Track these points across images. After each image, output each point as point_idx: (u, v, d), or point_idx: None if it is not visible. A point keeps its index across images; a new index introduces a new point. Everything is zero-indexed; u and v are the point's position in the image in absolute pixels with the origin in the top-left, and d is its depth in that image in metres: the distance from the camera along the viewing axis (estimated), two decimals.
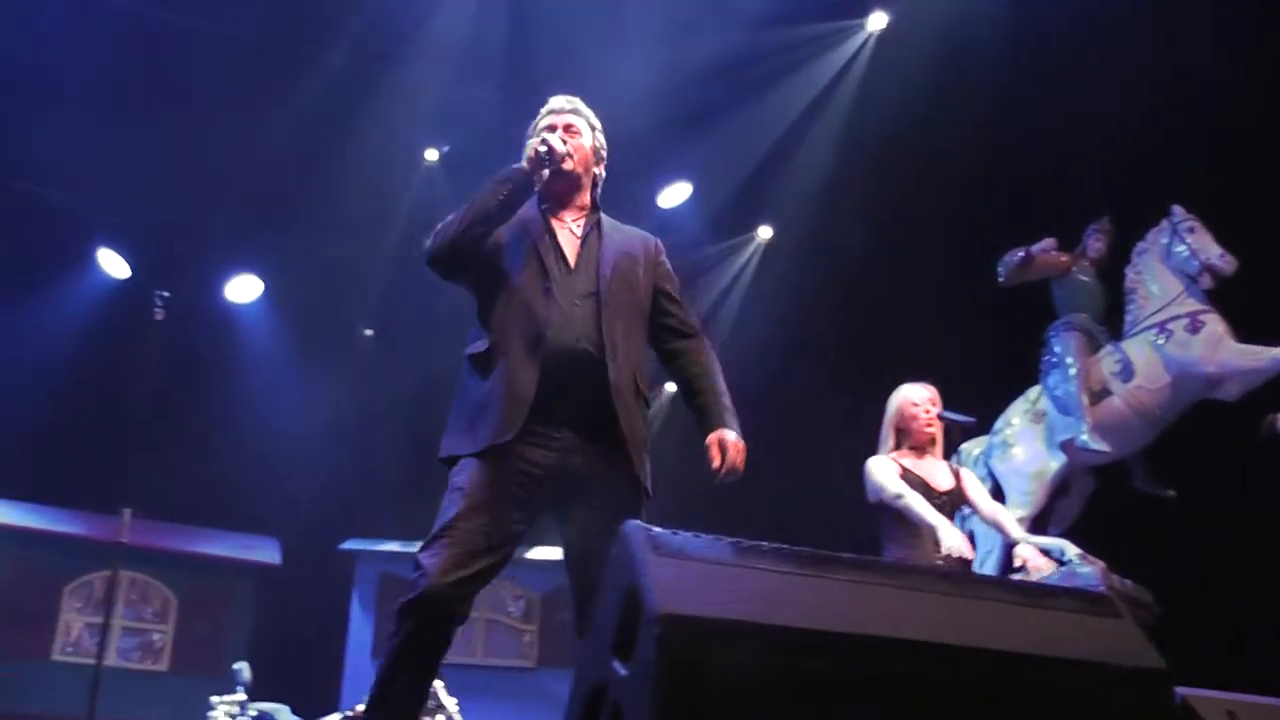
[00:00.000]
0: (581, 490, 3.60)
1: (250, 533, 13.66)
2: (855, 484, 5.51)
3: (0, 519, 11.87)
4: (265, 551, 13.68)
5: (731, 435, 3.68)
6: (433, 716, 7.76)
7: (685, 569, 2.09)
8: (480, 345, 3.71)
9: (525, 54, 10.19)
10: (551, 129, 3.97)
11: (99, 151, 10.30)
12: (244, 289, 12.57)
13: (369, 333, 13.71)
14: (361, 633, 13.85)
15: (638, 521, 2.29)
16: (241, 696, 8.37)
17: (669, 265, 4.03)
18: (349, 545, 14.02)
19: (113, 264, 11.88)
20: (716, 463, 3.65)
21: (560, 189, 3.92)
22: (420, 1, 10.31)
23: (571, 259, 3.81)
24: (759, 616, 2.02)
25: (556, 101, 4.09)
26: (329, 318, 13.18)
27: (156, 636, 13.02)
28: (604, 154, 4.10)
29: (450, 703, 7.80)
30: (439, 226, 3.77)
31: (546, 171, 3.81)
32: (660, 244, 4.06)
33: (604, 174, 4.09)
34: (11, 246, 11.07)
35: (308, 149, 10.93)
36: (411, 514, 12.71)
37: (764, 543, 2.26)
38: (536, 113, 4.11)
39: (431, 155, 11.92)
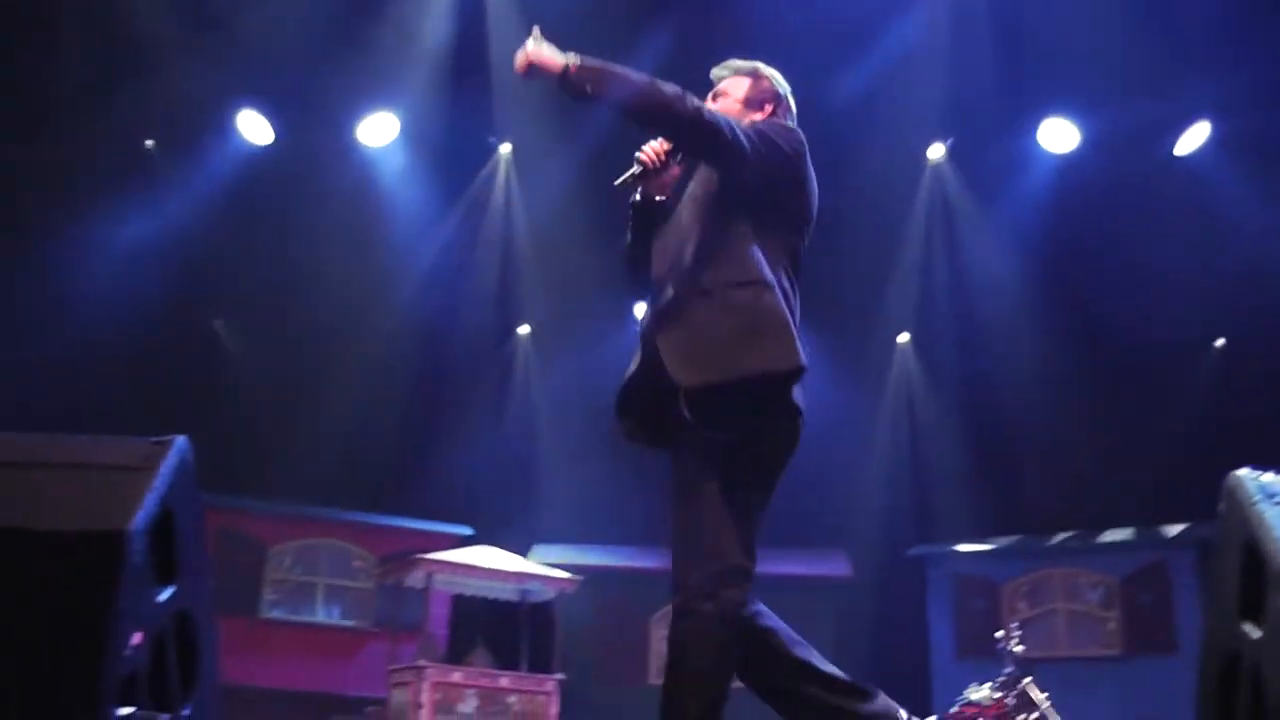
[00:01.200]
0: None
1: (819, 549, 13.84)
2: None
3: (591, 562, 12.67)
4: (835, 565, 13.83)
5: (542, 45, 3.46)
6: (1027, 714, 7.45)
7: None
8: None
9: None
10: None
11: None
12: None
13: (904, 339, 13.61)
14: (942, 637, 13.71)
15: (1246, 470, 1.99)
16: None
17: None
18: (918, 550, 13.90)
19: None
20: None
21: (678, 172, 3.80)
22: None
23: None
24: None
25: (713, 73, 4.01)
26: (864, 331, 13.24)
27: None
28: (771, 92, 3.93)
29: (1040, 698, 7.45)
30: None
31: (647, 181, 3.72)
32: None
33: (781, 112, 3.92)
34: None
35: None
36: (977, 512, 12.45)
37: None
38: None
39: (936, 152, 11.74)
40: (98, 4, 10.32)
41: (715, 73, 3.99)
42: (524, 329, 14.06)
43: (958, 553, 13.75)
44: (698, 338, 3.46)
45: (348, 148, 12.08)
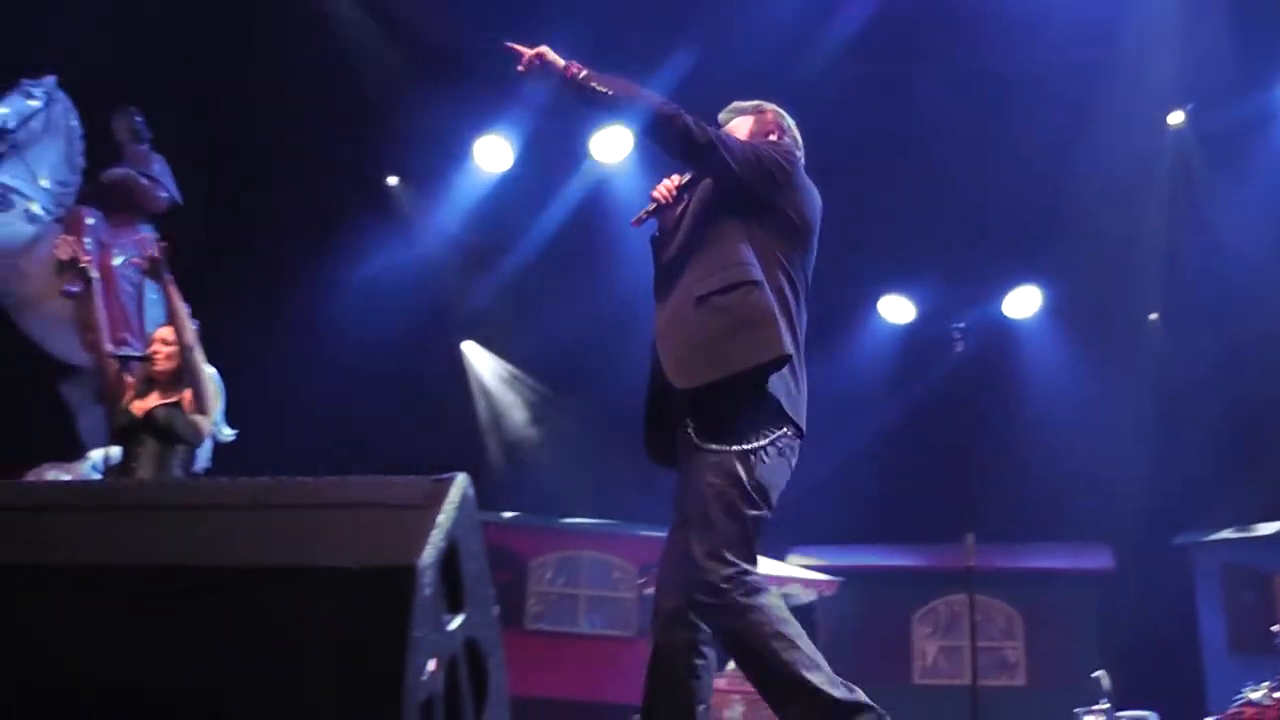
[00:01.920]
0: None
1: (1079, 541, 13.45)
2: None
3: (849, 563, 12.62)
4: (1098, 558, 13.42)
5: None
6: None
7: None
8: None
9: None
10: None
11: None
12: (1023, 302, 12.54)
13: (1154, 317, 13.09)
14: (1213, 628, 13.10)
15: None
16: (1105, 706, 8.18)
17: None
18: (1183, 539, 13.34)
19: (897, 309, 12.42)
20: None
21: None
22: None
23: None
24: None
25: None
26: (1110, 312, 12.80)
27: (1009, 653, 13.16)
28: (778, 126, 4.10)
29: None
30: None
31: (662, 216, 3.96)
32: None
33: (779, 137, 4.06)
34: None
35: (1051, 151, 10.79)
36: (1243, 497, 11.87)
37: None
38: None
39: (1176, 119, 11.27)
40: (328, 62, 10.78)
41: (721, 116, 4.15)
42: None
43: (1225, 541, 13.14)
44: (688, 344, 3.66)
45: (581, 165, 12.33)
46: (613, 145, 12.04)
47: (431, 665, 1.92)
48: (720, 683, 10.37)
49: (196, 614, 1.95)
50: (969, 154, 10.88)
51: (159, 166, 8.86)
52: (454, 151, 12.03)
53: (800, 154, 4.09)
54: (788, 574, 11.16)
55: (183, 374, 5.80)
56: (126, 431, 5.77)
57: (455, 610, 2.05)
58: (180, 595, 1.97)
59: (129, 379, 5.98)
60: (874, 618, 12.94)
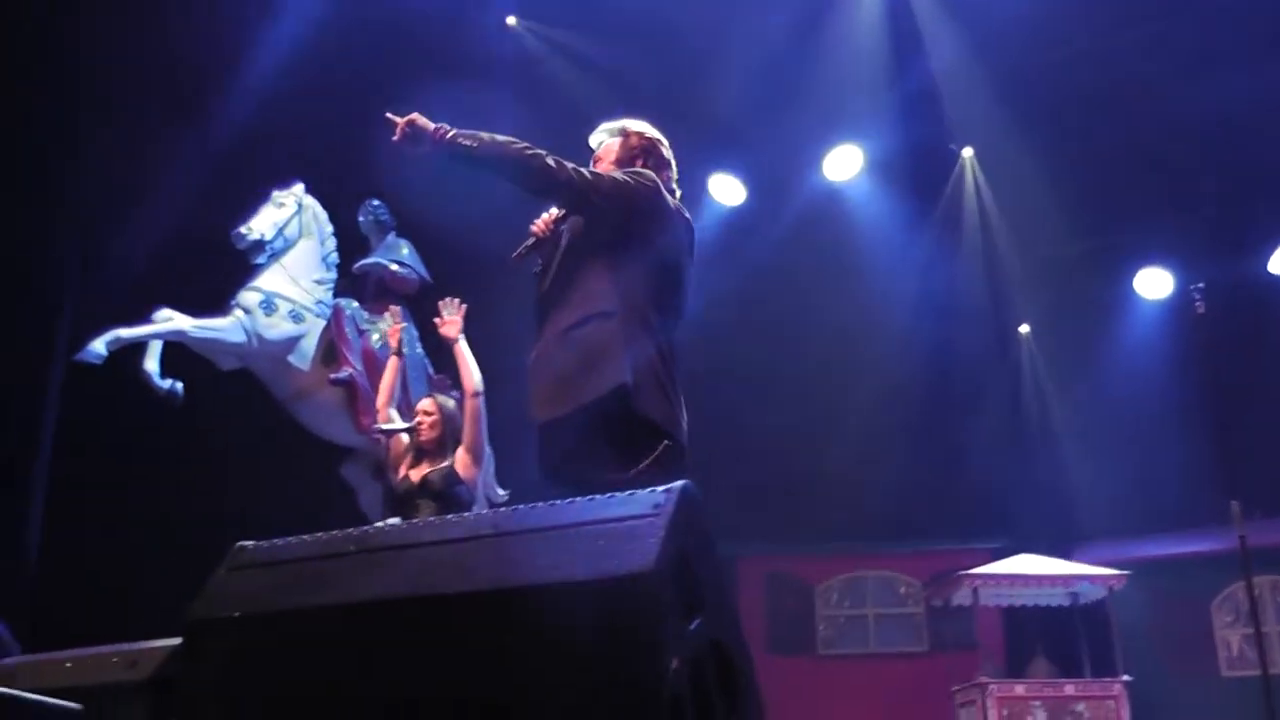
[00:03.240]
0: None
1: None
2: None
3: (1138, 554, 12.13)
4: None
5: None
6: None
7: None
8: None
9: None
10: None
11: None
12: None
13: None
14: None
15: None
16: None
17: None
18: None
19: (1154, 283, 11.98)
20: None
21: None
22: None
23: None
24: None
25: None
26: None
27: None
28: (643, 149, 4.25)
29: None
30: None
31: (541, 250, 4.09)
32: None
33: (642, 163, 4.20)
34: None
35: None
36: None
37: None
38: None
39: None
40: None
41: (592, 140, 4.33)
42: (1024, 328, 13.77)
43: None
44: (544, 380, 3.81)
45: (815, 188, 12.36)
46: (843, 164, 12.08)
47: (675, 664, 2.01)
48: (1019, 689, 10.18)
49: (455, 636, 2.12)
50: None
51: (407, 251, 9.34)
52: (690, 191, 12.21)
53: (671, 172, 4.28)
54: (1074, 572, 10.84)
55: (447, 441, 6.16)
56: (404, 500, 6.14)
57: (693, 613, 2.14)
58: (439, 620, 2.14)
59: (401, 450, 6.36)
60: (1169, 609, 12.37)
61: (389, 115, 4.00)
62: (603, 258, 3.92)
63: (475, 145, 3.87)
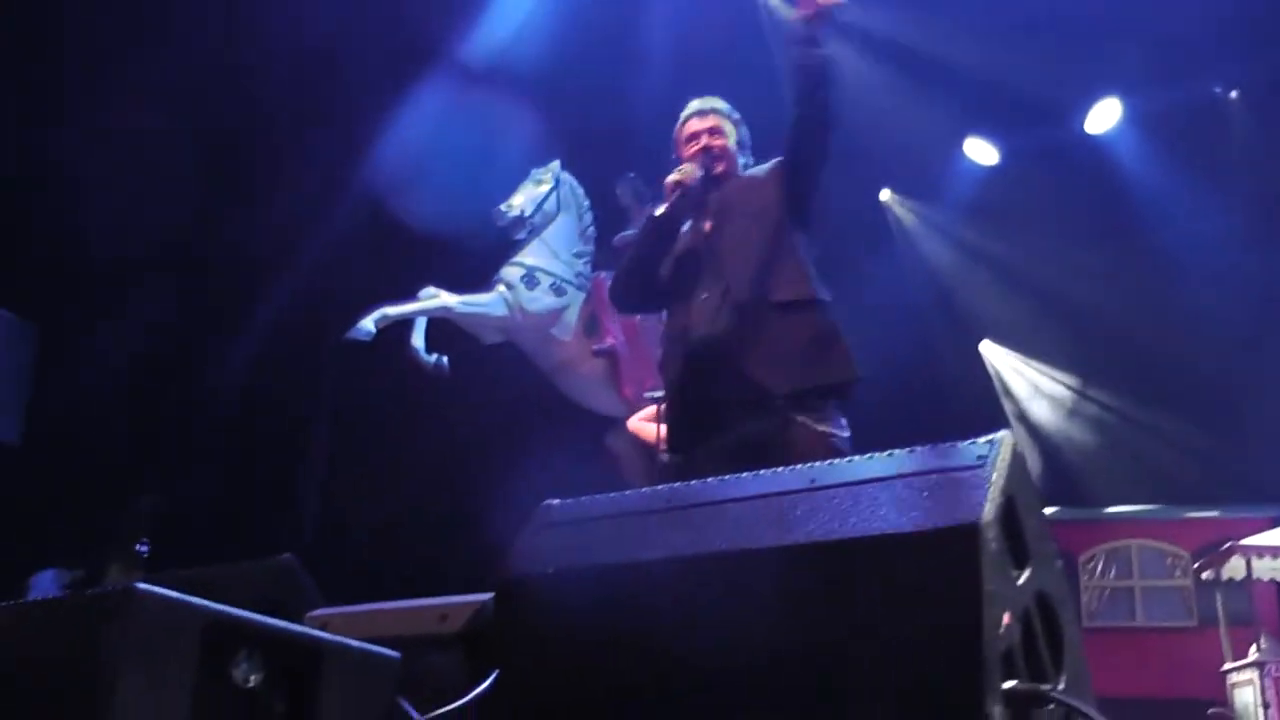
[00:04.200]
0: None
1: None
2: None
3: None
4: None
5: None
6: None
7: None
8: None
9: None
10: (694, 137, 4.21)
11: None
12: None
13: None
14: None
15: None
16: None
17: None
18: None
19: None
20: None
21: (714, 189, 4.12)
22: None
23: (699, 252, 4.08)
24: None
25: (693, 105, 4.29)
26: None
27: None
28: (748, 143, 4.30)
29: None
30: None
31: (692, 193, 4.05)
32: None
33: (751, 160, 4.22)
34: None
35: None
36: None
37: None
38: None
39: None
40: None
41: (700, 105, 4.28)
42: None
43: None
44: (772, 348, 3.83)
45: (1077, 145, 11.91)
46: (1104, 116, 11.58)
47: (1006, 618, 1.97)
48: None
49: (777, 591, 2.12)
50: None
51: None
52: (945, 157, 12.01)
53: None
54: None
55: None
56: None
57: (1022, 565, 2.10)
58: (760, 575, 2.15)
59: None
60: None
61: None
62: (797, 238, 4.02)
63: (832, 68, 3.94)
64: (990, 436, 2.14)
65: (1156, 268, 12.10)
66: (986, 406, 13.27)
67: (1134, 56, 10.64)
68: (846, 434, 3.86)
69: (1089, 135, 11.69)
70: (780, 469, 2.37)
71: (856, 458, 2.35)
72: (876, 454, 2.32)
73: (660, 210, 4.11)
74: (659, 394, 6.59)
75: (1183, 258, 11.84)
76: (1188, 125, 11.60)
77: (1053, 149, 11.96)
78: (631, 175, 9.44)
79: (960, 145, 11.89)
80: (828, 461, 2.33)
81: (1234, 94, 11.62)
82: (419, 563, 8.57)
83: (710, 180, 4.16)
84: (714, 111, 4.33)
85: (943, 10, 10.19)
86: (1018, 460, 2.13)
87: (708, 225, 4.16)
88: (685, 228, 4.21)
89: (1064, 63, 10.59)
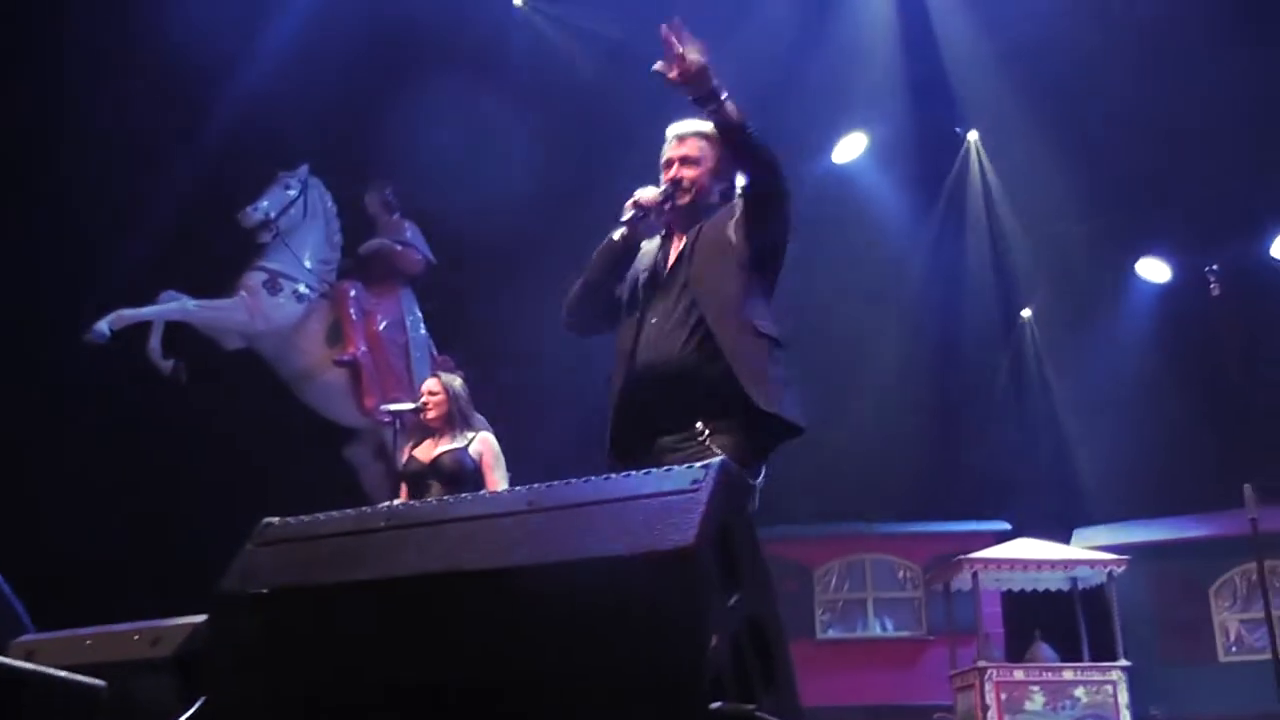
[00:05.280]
0: None
1: None
2: None
3: (1138, 539, 12.14)
4: None
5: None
6: None
7: None
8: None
9: None
10: (670, 164, 4.07)
11: None
12: None
13: None
14: None
15: None
16: None
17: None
18: None
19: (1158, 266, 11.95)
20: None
21: (676, 219, 4.05)
22: None
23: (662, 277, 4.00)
24: None
25: (673, 128, 4.13)
26: None
27: None
28: (728, 167, 4.08)
29: None
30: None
31: (650, 217, 3.98)
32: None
33: (732, 185, 4.09)
34: None
35: None
36: None
37: None
38: None
39: None
40: None
41: (679, 130, 4.12)
42: (1026, 312, 13.78)
43: None
44: (758, 371, 3.75)
45: (824, 174, 12.32)
46: (849, 149, 12.05)
47: (714, 641, 2.00)
48: (1017, 674, 10.19)
49: (492, 612, 2.11)
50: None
51: (411, 232, 9.35)
52: None
53: None
54: (1074, 556, 10.85)
55: (455, 420, 6.14)
56: (414, 481, 6.12)
57: (733, 588, 2.14)
58: (476, 596, 2.13)
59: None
60: (1169, 595, 12.38)
61: (668, 40, 3.71)
62: (754, 277, 3.94)
63: (740, 119, 3.78)
64: (706, 463, 2.17)
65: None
66: None
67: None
68: (759, 480, 3.78)
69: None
70: (502, 490, 2.36)
71: (575, 480, 2.35)
72: (595, 477, 2.33)
73: (618, 234, 4.04)
74: (398, 406, 6.54)
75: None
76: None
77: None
78: (383, 183, 9.35)
79: None
80: (547, 484, 2.33)
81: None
82: (139, 582, 8.22)
83: (675, 210, 4.07)
84: (694, 135, 4.15)
85: None
86: (734, 484, 2.17)
87: (671, 253, 4.09)
88: (647, 248, 4.15)
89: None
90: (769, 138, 3.83)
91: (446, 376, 6.53)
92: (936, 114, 11.97)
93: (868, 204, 12.62)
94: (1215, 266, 7.10)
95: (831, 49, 11.11)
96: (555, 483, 2.31)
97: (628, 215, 3.99)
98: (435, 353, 8.90)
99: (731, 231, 3.94)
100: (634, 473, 2.27)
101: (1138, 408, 11.89)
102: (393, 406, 6.55)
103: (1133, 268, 12.38)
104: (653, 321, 3.92)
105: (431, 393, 6.21)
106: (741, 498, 2.20)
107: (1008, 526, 12.49)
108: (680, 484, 2.12)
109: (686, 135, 4.11)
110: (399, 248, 9.18)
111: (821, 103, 11.45)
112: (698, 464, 2.18)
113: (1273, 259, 11.68)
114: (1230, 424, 8.97)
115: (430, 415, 6.16)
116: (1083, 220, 12.20)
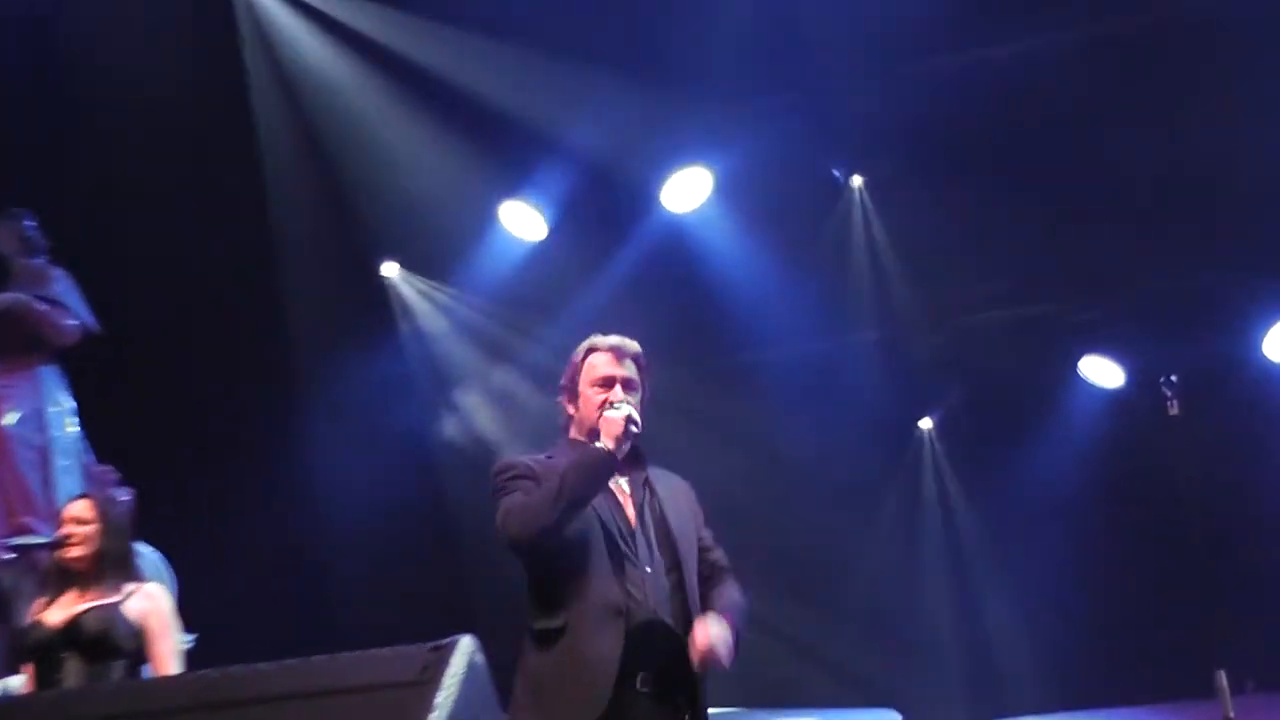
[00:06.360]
0: None
1: None
2: None
3: None
4: None
5: (714, 624, 4.77)
6: None
7: None
8: (551, 622, 4.74)
9: None
10: (607, 382, 4.96)
11: None
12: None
13: None
14: None
15: None
16: None
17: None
18: None
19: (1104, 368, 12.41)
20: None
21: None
22: None
23: (632, 522, 4.93)
24: None
25: (611, 340, 5.09)
26: None
27: None
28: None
29: None
30: (514, 508, 4.74)
31: (627, 445, 4.82)
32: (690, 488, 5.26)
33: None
34: None
35: None
36: None
37: None
38: None
39: None
40: None
41: (619, 344, 5.13)
42: (925, 423, 14.09)
43: None
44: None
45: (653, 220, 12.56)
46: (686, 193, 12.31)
47: None
48: None
49: None
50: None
51: (62, 285, 8.91)
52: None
53: None
54: None
55: (107, 564, 5.93)
56: (40, 653, 5.82)
57: None
58: None
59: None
60: None
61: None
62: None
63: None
64: (439, 642, 2.29)
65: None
66: None
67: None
68: None
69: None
70: (171, 674, 2.46)
71: (292, 661, 2.43)
72: (317, 657, 2.43)
73: (612, 447, 4.78)
74: (28, 540, 6.45)
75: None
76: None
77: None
78: (21, 213, 9.11)
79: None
80: (256, 666, 2.41)
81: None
82: None
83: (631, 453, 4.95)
84: (634, 358, 5.11)
85: None
86: (474, 671, 2.31)
87: (647, 498, 5.04)
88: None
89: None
90: None
91: (104, 498, 6.29)
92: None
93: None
94: (1173, 377, 7.37)
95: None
96: (265, 665, 2.36)
97: (622, 431, 4.77)
98: (91, 461, 8.66)
99: (690, 502, 5.24)
100: (351, 653, 2.37)
101: (1075, 559, 12.19)
102: (20, 540, 6.43)
103: (1075, 367, 12.76)
104: (647, 571, 4.86)
105: (79, 520, 5.98)
106: (485, 686, 2.35)
107: (898, 717, 12.74)
108: (407, 673, 2.24)
109: (626, 354, 5.06)
110: (43, 306, 8.82)
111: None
112: (434, 644, 2.30)
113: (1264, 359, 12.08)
114: (1196, 588, 9.32)
115: (73, 554, 5.90)
116: (1009, 303, 12.62)
